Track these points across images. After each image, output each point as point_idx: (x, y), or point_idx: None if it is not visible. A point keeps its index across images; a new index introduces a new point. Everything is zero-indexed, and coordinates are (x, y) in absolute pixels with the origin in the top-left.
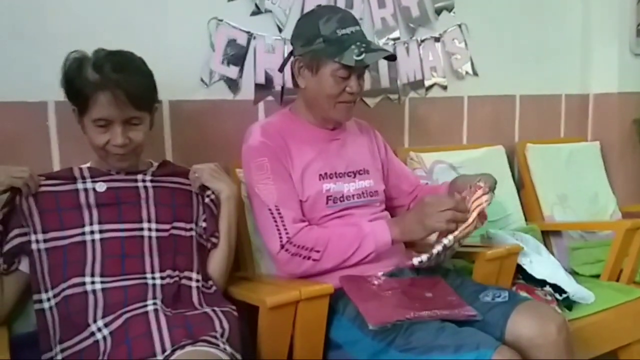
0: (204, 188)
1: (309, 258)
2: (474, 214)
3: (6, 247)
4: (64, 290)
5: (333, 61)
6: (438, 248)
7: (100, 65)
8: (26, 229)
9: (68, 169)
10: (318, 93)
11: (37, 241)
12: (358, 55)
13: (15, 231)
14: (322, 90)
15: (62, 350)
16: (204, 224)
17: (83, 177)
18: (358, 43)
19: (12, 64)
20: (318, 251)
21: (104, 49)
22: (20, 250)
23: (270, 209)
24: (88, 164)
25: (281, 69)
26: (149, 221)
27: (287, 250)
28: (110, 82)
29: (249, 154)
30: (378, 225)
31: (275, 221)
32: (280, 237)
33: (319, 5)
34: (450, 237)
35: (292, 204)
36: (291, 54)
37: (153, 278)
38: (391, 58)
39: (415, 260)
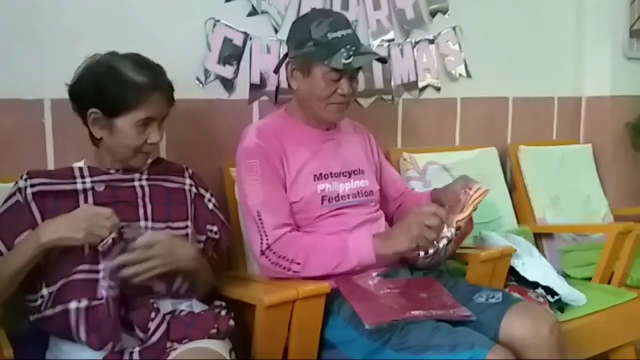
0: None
1: (289, 269)
2: (471, 208)
3: None
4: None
5: (323, 64)
6: (443, 241)
7: (138, 68)
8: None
9: (68, 168)
10: (310, 95)
11: None
12: (346, 59)
13: (29, 232)
14: (313, 92)
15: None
16: (215, 228)
17: (82, 176)
18: (348, 46)
19: (9, 62)
20: (299, 263)
21: (116, 52)
22: None
23: (252, 214)
24: (82, 162)
25: (276, 71)
26: (146, 219)
27: (267, 257)
28: (158, 81)
29: (242, 155)
30: (362, 240)
31: (257, 226)
32: (261, 243)
33: (313, 9)
34: (452, 229)
35: (276, 209)
36: (286, 55)
37: None
38: (382, 60)
39: (422, 253)
